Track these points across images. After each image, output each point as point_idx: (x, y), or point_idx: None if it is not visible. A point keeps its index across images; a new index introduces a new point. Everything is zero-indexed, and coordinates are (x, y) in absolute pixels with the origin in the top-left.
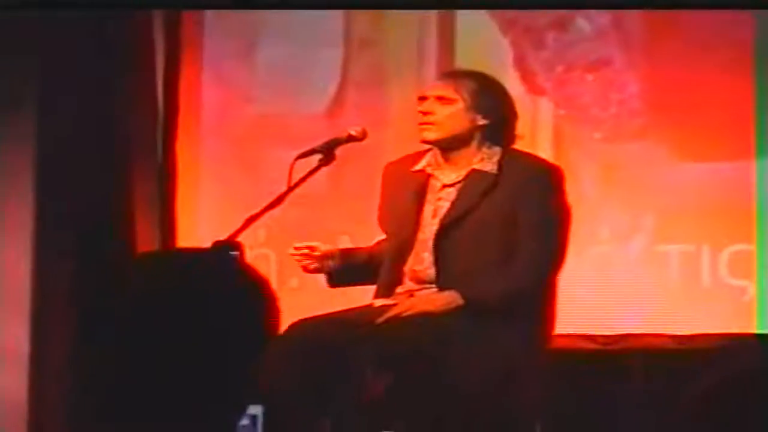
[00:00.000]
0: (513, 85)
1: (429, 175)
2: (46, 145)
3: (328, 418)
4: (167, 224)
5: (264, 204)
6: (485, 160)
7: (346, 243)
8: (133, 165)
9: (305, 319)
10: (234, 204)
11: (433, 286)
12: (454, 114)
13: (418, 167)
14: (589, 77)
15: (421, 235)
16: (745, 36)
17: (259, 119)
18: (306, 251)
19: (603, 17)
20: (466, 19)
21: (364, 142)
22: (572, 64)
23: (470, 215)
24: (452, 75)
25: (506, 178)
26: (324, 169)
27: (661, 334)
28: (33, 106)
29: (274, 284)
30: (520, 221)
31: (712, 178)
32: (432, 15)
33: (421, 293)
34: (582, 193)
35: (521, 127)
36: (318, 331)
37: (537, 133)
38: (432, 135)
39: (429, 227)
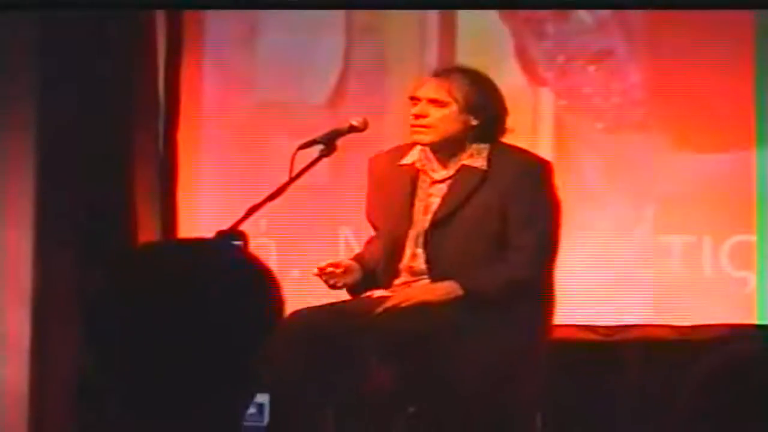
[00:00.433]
0: (514, 75)
1: (418, 170)
2: (47, 135)
3: (330, 408)
4: (168, 214)
5: (265, 194)
6: (475, 155)
7: (347, 233)
8: (133, 154)
9: (306, 309)
10: (235, 194)
11: (424, 278)
12: (447, 116)
13: (406, 161)
14: (591, 68)
15: (412, 232)
16: (746, 27)
17: (260, 109)
18: (331, 270)
19: None
20: (467, 9)
21: (365, 133)
22: (574, 55)
23: (461, 211)
24: (445, 74)
25: (495, 173)
26: (325, 159)
27: (663, 325)
28: (34, 95)
29: None
30: (511, 215)
31: (714, 169)
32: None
33: (418, 283)
34: (583, 184)
35: (513, 120)
36: (319, 321)
37: (538, 124)
38: (426, 138)
39: (421, 223)
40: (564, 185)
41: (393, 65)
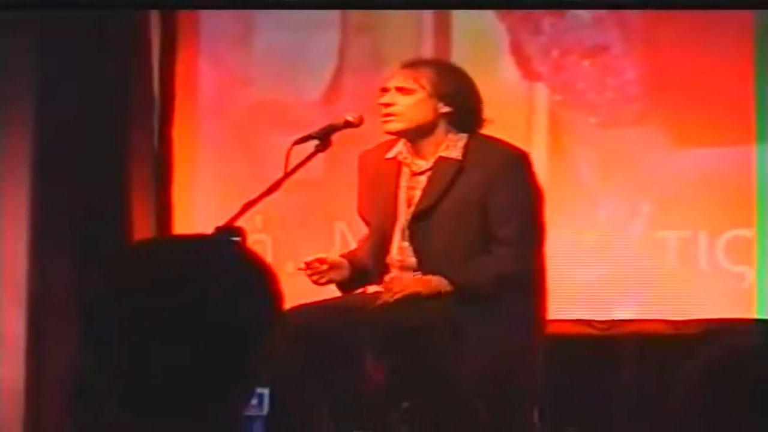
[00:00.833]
0: (509, 70)
1: (400, 163)
2: (43, 133)
3: (326, 403)
4: (163, 210)
5: (261, 190)
6: (450, 147)
7: (342, 228)
8: (129, 150)
9: (301, 306)
10: (230, 189)
11: (414, 273)
12: (415, 104)
13: (390, 155)
14: (586, 63)
15: (398, 225)
16: (745, 20)
17: (255, 105)
18: (315, 265)
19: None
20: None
21: (360, 128)
22: (568, 50)
23: (441, 203)
24: (412, 64)
25: (472, 164)
26: (321, 154)
27: (659, 320)
28: (30, 94)
29: None
30: (493, 207)
31: (710, 164)
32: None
33: (410, 277)
34: (578, 179)
35: (507, 115)
36: (314, 317)
37: (533, 119)
38: (395, 126)
39: (404, 216)
40: (559, 180)
41: (388, 61)
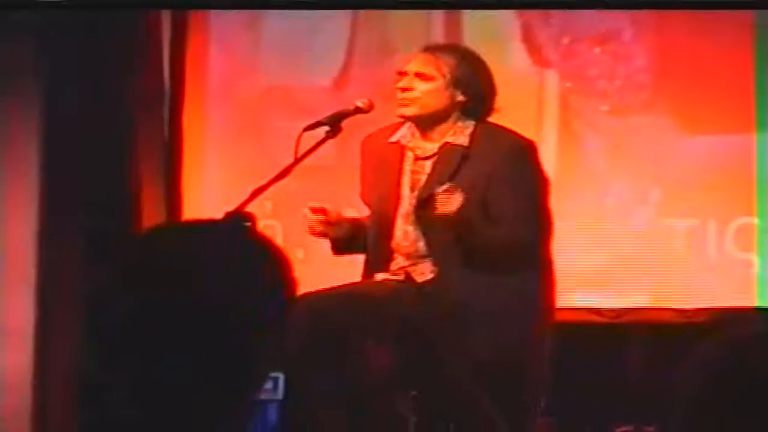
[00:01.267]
0: (520, 57)
1: (404, 147)
2: (52, 119)
3: (336, 389)
4: (173, 196)
5: (270, 176)
6: (458, 133)
7: (352, 215)
8: (139, 137)
9: (313, 292)
10: (240, 175)
11: (423, 260)
12: (433, 91)
13: (393, 139)
14: (597, 50)
15: (401, 209)
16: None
17: (265, 91)
18: (320, 216)
19: None
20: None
21: (370, 114)
22: (579, 37)
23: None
24: (433, 50)
25: (478, 151)
26: (331, 141)
27: (667, 308)
28: (39, 80)
29: None
30: (499, 195)
31: (719, 152)
32: None
33: (415, 270)
34: (588, 166)
35: (518, 101)
36: (325, 303)
37: (543, 106)
38: (410, 111)
39: (407, 200)
40: (568, 167)
41: (398, 48)
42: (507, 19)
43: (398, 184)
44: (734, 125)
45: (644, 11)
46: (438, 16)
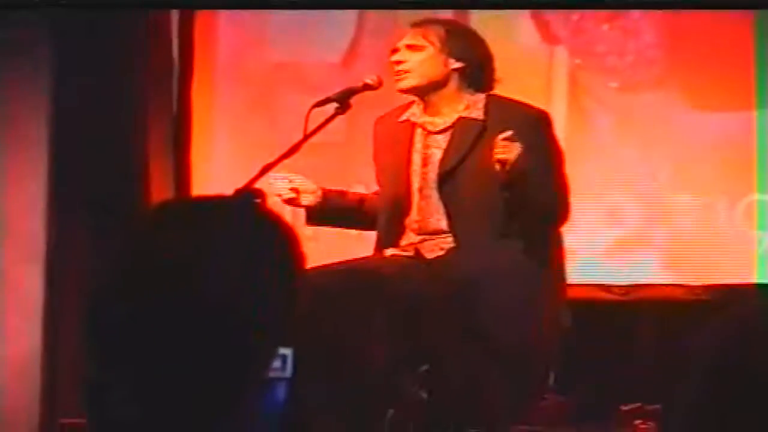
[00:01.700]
0: (529, 33)
1: (414, 124)
2: (62, 93)
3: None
4: (182, 172)
5: (279, 152)
6: (471, 107)
7: (360, 191)
8: (147, 112)
9: (320, 267)
10: (249, 152)
11: (440, 236)
12: (424, 60)
13: (403, 118)
14: (605, 26)
15: (414, 185)
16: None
17: (275, 67)
18: (291, 183)
19: None
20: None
21: (379, 91)
22: (588, 14)
23: (465, 163)
24: (421, 23)
25: (494, 124)
26: (340, 117)
27: (677, 284)
28: (48, 55)
29: None
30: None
31: (728, 128)
32: None
33: (424, 246)
34: (597, 142)
35: (527, 78)
36: (333, 278)
37: (552, 83)
38: (407, 83)
39: (419, 176)
40: (577, 144)
41: (407, 24)
42: None
43: (409, 160)
44: (747, 100)
45: None
46: None
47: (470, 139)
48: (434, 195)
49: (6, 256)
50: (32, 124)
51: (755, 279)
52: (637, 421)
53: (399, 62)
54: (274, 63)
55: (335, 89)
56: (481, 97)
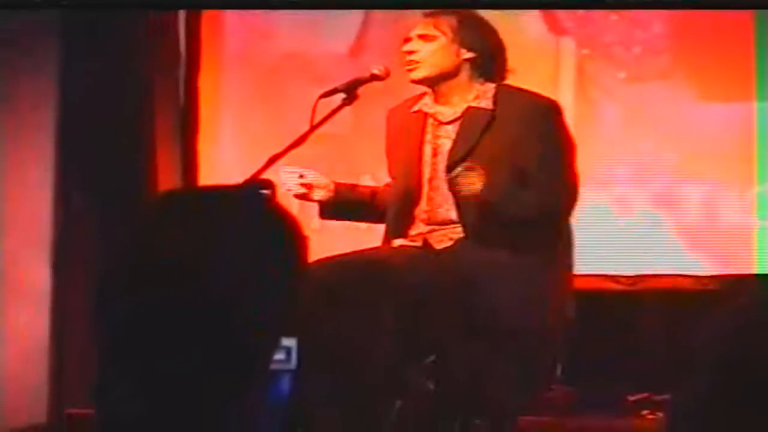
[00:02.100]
0: (535, 24)
1: (426, 115)
2: (69, 84)
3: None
4: (189, 162)
5: (286, 143)
6: (480, 97)
7: (367, 182)
8: (154, 102)
9: (325, 259)
10: (256, 142)
11: (449, 226)
12: (437, 50)
13: (414, 109)
14: (613, 17)
15: (424, 175)
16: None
17: (282, 57)
18: (302, 179)
19: None
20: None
21: (387, 81)
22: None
23: (475, 151)
24: (433, 13)
25: (503, 113)
26: (347, 108)
27: (683, 274)
28: (56, 44)
29: None
30: (524, 155)
31: (735, 119)
32: None
33: (433, 237)
34: (604, 133)
35: (535, 68)
36: (338, 270)
37: (560, 73)
38: (418, 74)
39: (432, 166)
40: (585, 134)
41: (414, 14)
42: None
43: (420, 150)
44: (754, 91)
45: None
46: None
47: (479, 129)
48: (443, 185)
49: (13, 246)
50: (40, 113)
51: (757, 269)
52: (645, 411)
53: (410, 52)
54: (281, 53)
55: (342, 80)
56: (491, 87)
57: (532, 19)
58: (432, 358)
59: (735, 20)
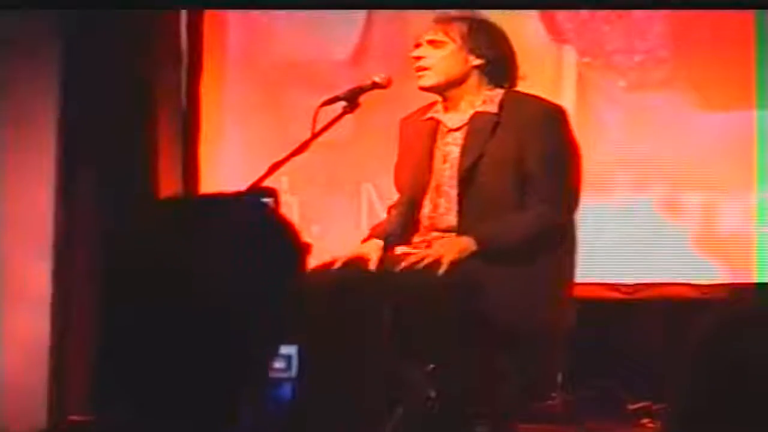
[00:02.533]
0: (537, 32)
1: (438, 122)
2: (71, 90)
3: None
4: (190, 169)
5: (287, 150)
6: (487, 102)
7: (369, 190)
8: (156, 109)
9: (323, 266)
10: (257, 149)
11: (452, 233)
12: (446, 56)
13: (426, 116)
14: (613, 25)
15: (434, 182)
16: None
17: (283, 65)
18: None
19: None
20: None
21: (388, 89)
22: (596, 12)
23: (481, 160)
24: (444, 19)
25: (508, 117)
26: (348, 116)
27: (683, 283)
28: (58, 50)
29: None
30: (529, 158)
31: (735, 127)
32: None
33: (439, 241)
34: (605, 141)
35: (535, 76)
36: (335, 278)
37: (561, 81)
38: (428, 81)
39: (440, 172)
40: (586, 142)
41: (415, 22)
42: None
43: (431, 157)
44: (755, 100)
45: None
46: None
47: (485, 134)
48: (451, 192)
49: (12, 250)
50: (41, 122)
51: (757, 278)
52: (645, 420)
53: (419, 58)
54: (282, 61)
55: (344, 87)
56: (499, 93)
57: (533, 27)
58: (432, 366)
59: (735, 28)
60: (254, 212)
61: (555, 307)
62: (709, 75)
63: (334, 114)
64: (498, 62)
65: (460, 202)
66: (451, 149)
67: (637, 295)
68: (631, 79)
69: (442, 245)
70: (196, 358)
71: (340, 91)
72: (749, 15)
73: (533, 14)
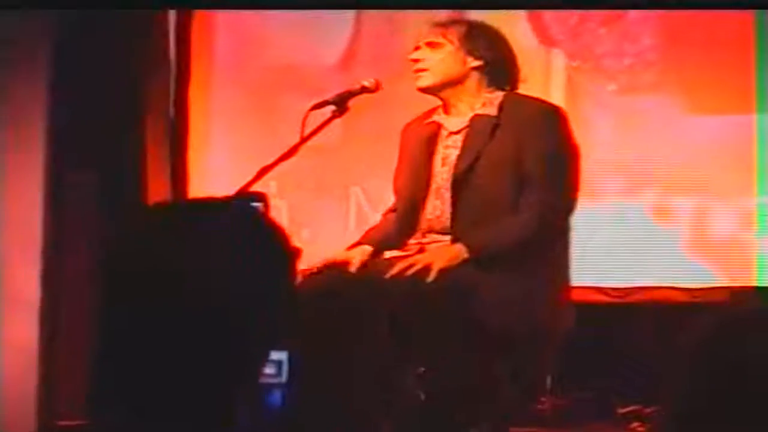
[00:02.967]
0: (526, 35)
1: (439, 126)
2: (60, 90)
3: (341, 369)
4: (179, 173)
5: (276, 155)
6: (487, 104)
7: (357, 194)
8: (144, 113)
9: (313, 271)
10: (246, 153)
11: (447, 236)
12: (444, 58)
13: (428, 121)
14: (603, 29)
15: (433, 185)
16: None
17: (272, 69)
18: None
19: None
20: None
21: (377, 94)
22: (586, 16)
23: (479, 162)
24: (442, 22)
25: (507, 119)
26: (337, 120)
27: (673, 287)
28: (49, 55)
29: None
30: (527, 159)
31: (728, 131)
32: None
33: (430, 247)
34: (596, 144)
35: (526, 71)
36: (327, 283)
37: (550, 85)
38: (425, 81)
39: (439, 175)
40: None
41: (404, 27)
42: None
43: (431, 160)
44: (744, 104)
45: None
46: None
47: (484, 136)
48: (448, 195)
49: (2, 255)
50: (30, 126)
51: (755, 282)
52: (635, 424)
53: (418, 60)
54: (271, 65)
55: (332, 92)
56: (498, 95)
57: (522, 31)
58: (422, 369)
59: (733, 29)
60: (244, 217)
61: (552, 310)
62: (701, 78)
63: (323, 118)
64: (497, 64)
65: (453, 205)
66: (450, 152)
67: (628, 299)
68: (621, 83)
69: (432, 253)
70: (189, 362)
71: (328, 96)
72: (749, 15)
73: (522, 17)
